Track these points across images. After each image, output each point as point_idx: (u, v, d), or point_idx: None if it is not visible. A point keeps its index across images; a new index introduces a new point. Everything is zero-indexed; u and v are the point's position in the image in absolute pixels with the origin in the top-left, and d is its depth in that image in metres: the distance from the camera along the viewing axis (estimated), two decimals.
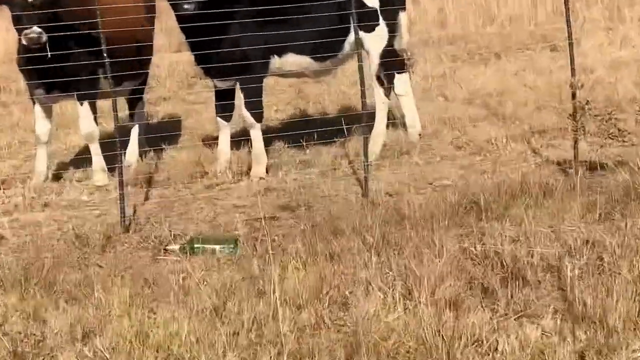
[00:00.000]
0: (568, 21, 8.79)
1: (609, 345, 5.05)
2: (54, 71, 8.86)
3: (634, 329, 5.25)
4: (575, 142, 8.57)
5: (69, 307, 6.14)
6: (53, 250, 7.46)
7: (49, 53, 8.68)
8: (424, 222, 7.11)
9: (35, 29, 8.56)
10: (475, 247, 6.60)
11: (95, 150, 9.50)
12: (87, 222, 8.21)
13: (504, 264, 6.25)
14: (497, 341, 5.22)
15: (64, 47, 8.79)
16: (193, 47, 9.47)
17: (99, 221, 8.22)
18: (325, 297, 5.95)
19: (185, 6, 8.91)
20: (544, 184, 7.90)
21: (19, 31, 8.75)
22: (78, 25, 8.70)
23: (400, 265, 6.28)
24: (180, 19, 9.31)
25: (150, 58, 10.39)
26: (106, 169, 9.46)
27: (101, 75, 8.70)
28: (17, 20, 8.79)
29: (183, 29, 9.44)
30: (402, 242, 6.76)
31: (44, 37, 8.59)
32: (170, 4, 9.31)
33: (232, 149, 9.70)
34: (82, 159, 10.17)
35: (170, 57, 14.93)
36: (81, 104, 9.37)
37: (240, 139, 9.78)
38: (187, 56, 11.21)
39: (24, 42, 8.70)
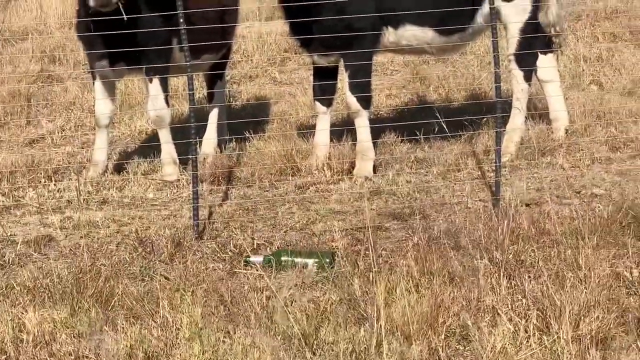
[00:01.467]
0: None
1: None
2: (121, 39, 8.99)
3: None
4: None
5: (129, 326, 6.26)
6: (111, 256, 7.60)
7: (125, 16, 8.79)
8: (568, 240, 7.08)
9: None
10: (631, 272, 6.56)
11: (166, 137, 9.60)
12: (153, 225, 8.34)
13: None
14: None
15: (133, 11, 8.89)
16: (288, 13, 9.50)
17: (167, 224, 8.34)
18: (441, 327, 5.96)
19: None
20: None
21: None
22: None
23: (536, 291, 6.26)
24: None
25: (235, 26, 10.46)
26: (178, 161, 9.59)
27: (175, 46, 8.80)
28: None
29: None
30: (539, 264, 6.74)
31: None
32: None
33: (332, 140, 9.74)
34: (149, 147, 10.30)
35: (260, 27, 14.97)
36: (150, 81, 9.48)
37: (343, 129, 9.80)
38: (281, 26, 11.27)
39: (90, 2, 8.82)
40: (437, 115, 10.30)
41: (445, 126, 9.74)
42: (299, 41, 9.73)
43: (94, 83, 9.71)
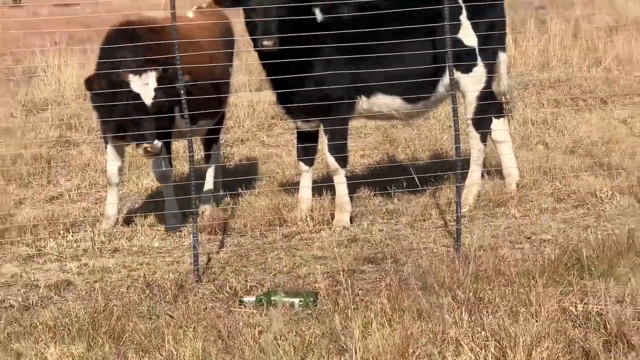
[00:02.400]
0: None
1: None
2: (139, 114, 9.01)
3: None
4: None
5: (138, 359, 6.24)
6: (122, 298, 7.58)
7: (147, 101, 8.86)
8: (520, 279, 7.09)
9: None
10: (576, 307, 6.56)
11: (169, 193, 9.64)
12: (159, 270, 8.32)
13: (607, 326, 6.20)
14: None
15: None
16: (274, 85, 9.53)
17: (171, 269, 8.32)
18: (411, 357, 5.96)
19: (265, 42, 8.94)
20: None
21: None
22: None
23: (493, 325, 6.24)
24: (261, 55, 9.36)
25: (228, 96, 10.49)
26: (180, 215, 9.59)
27: (177, 113, 8.82)
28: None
29: (264, 66, 9.48)
30: (496, 300, 6.75)
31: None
32: (251, 39, 9.40)
33: (313, 195, 9.75)
34: (154, 202, 10.30)
35: (250, 96, 15.02)
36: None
37: (323, 185, 9.80)
38: (268, 95, 11.32)
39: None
40: (406, 171, 10.38)
41: (416, 180, 9.79)
42: (284, 109, 9.76)
43: (106, 147, 9.72)
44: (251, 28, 9.20)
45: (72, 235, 9.44)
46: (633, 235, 7.91)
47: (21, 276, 8.35)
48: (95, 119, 10.37)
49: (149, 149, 8.74)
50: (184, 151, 10.26)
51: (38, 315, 7.21)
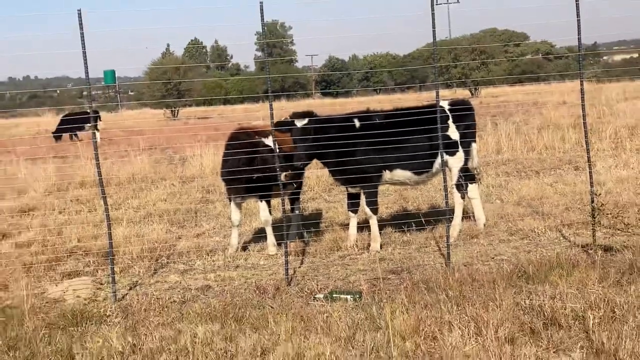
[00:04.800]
0: (588, 150, 8.77)
1: None
2: (246, 184, 9.21)
3: None
4: (594, 232, 8.52)
5: (252, 333, 6.26)
6: (242, 296, 7.61)
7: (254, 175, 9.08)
8: (489, 284, 7.01)
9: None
10: (524, 302, 6.48)
11: (269, 231, 9.68)
12: (264, 278, 8.35)
13: (545, 313, 6.13)
14: None
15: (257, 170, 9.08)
16: (328, 165, 9.54)
17: (271, 277, 8.35)
18: (421, 332, 5.91)
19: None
20: (572, 260, 7.72)
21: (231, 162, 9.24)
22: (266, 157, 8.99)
23: (472, 313, 6.18)
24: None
25: (304, 172, 10.48)
26: (276, 244, 9.62)
27: (273, 183, 8.89)
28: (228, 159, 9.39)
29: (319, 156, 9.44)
30: (474, 297, 6.67)
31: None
32: None
33: (358, 231, 9.73)
34: (260, 236, 10.34)
35: (317, 172, 15.09)
36: (261, 202, 9.62)
37: (363, 226, 9.79)
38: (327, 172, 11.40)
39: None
40: (414, 217, 10.36)
41: (422, 221, 9.74)
42: (339, 180, 9.75)
43: (230, 203, 9.83)
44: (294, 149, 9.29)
45: (210, 257, 9.52)
46: (559, 257, 7.82)
47: (180, 282, 8.42)
48: (223, 186, 10.47)
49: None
50: (278, 205, 10.31)
51: (190, 307, 7.26)
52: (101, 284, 8.44)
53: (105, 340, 6.17)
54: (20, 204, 13.96)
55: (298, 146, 9.10)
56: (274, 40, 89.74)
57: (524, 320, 6.01)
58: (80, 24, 7.40)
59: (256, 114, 30.25)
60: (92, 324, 6.89)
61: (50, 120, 36.08)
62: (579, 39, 8.32)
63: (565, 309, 6.14)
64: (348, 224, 9.86)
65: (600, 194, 9.04)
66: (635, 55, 74.83)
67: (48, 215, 12.85)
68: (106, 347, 6.05)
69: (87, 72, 7.65)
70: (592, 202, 8.53)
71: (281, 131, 9.06)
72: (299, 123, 9.18)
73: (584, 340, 5.61)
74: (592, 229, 8.50)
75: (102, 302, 7.71)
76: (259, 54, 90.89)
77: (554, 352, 5.47)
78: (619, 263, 7.54)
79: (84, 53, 7.48)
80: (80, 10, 7.37)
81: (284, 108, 27.93)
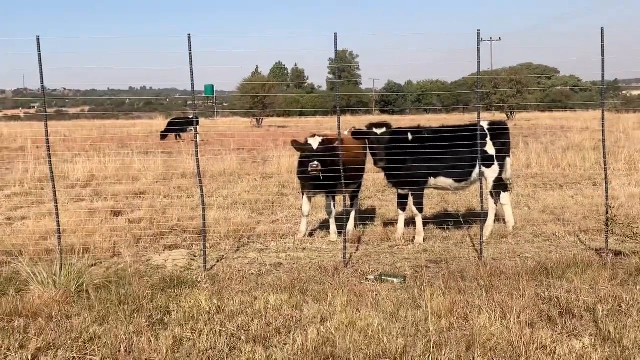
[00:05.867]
0: (605, 169, 8.51)
1: (624, 356, 4.80)
2: (318, 181, 9.17)
3: None
4: (607, 238, 8.27)
5: (314, 304, 6.29)
6: (306, 272, 7.64)
7: (321, 175, 9.00)
8: (515, 276, 6.89)
9: (315, 163, 8.93)
10: (544, 293, 6.34)
11: (332, 221, 9.68)
12: (325, 259, 8.36)
13: (561, 304, 5.99)
14: (556, 347, 5.00)
15: (326, 170, 9.01)
16: (384, 170, 9.48)
17: (331, 259, 8.35)
18: (454, 313, 5.84)
19: (377, 165, 9.07)
20: (587, 261, 7.51)
21: (306, 163, 9.12)
22: (333, 160, 8.95)
23: (499, 299, 6.08)
24: (374, 156, 9.33)
25: (363, 174, 10.48)
26: (337, 232, 9.62)
27: (339, 182, 8.89)
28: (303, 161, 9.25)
29: (376, 162, 9.39)
30: (501, 287, 6.57)
31: (319, 167, 8.95)
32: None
33: (405, 226, 9.64)
34: (324, 225, 10.35)
35: (373, 175, 15.03)
36: (328, 197, 9.63)
37: (410, 222, 9.71)
38: (382, 176, 11.33)
39: (308, 169, 9.02)
40: (453, 217, 10.22)
41: (461, 220, 9.62)
42: (391, 183, 9.67)
43: (302, 196, 9.85)
44: (372, 153, 9.32)
45: (282, 240, 9.58)
46: (576, 257, 7.61)
47: (257, 259, 8.49)
48: (297, 182, 10.53)
49: (313, 166, 8.85)
50: (340, 201, 10.34)
51: (265, 279, 7.34)
52: (195, 256, 8.59)
53: (196, 301, 6.31)
54: (133, 188, 14.37)
55: (378, 150, 9.09)
56: (343, 65, 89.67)
57: (542, 309, 5.89)
58: (189, 46, 7.54)
59: (325, 125, 30.29)
60: (186, 287, 7.03)
61: (160, 122, 36.91)
62: (602, 75, 8.07)
63: (578, 302, 5.99)
64: (397, 220, 9.79)
65: (614, 207, 8.81)
66: None
67: (155, 198, 13.18)
68: (196, 307, 6.18)
69: (192, 86, 7.80)
70: (607, 213, 8.30)
71: (357, 138, 9.25)
72: (379, 131, 9.15)
73: (593, 329, 5.45)
74: (606, 235, 8.25)
75: (195, 271, 7.86)
76: (331, 76, 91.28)
77: (567, 337, 5.32)
78: (627, 266, 7.30)
79: (191, 69, 7.61)
80: (190, 35, 7.51)
81: (348, 121, 27.91)
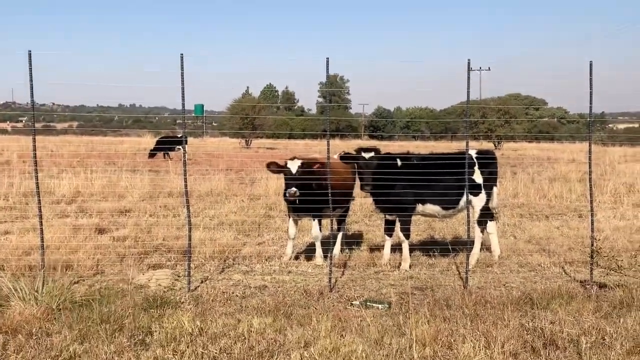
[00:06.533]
0: (591, 201, 8.56)
1: None
2: (303, 204, 9.15)
3: None
4: (591, 270, 8.31)
5: (298, 328, 6.25)
6: (291, 296, 7.60)
7: (297, 199, 9.00)
8: (499, 306, 6.90)
9: (292, 189, 8.90)
10: (528, 324, 6.34)
11: (318, 245, 9.68)
12: (310, 283, 8.34)
13: (545, 335, 6.00)
14: None
15: (308, 194, 9.03)
16: (373, 195, 9.50)
17: (317, 283, 8.33)
18: (439, 341, 5.83)
19: (363, 190, 9.21)
20: (571, 292, 7.55)
21: (287, 187, 9.09)
22: (317, 183, 8.98)
23: (483, 329, 6.08)
24: (361, 180, 9.33)
25: (350, 199, 10.50)
26: (323, 256, 9.60)
27: (325, 206, 8.90)
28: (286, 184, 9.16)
29: (363, 186, 9.39)
30: (485, 316, 6.57)
31: (297, 193, 8.91)
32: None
33: (391, 252, 9.65)
34: (311, 249, 10.32)
35: (361, 200, 15.05)
36: (314, 220, 9.62)
37: (396, 248, 9.72)
38: (369, 201, 11.34)
39: (287, 195, 9.02)
40: (440, 244, 10.24)
41: (449, 248, 9.64)
42: (379, 208, 9.70)
43: (288, 219, 9.83)
44: (359, 177, 9.34)
45: (268, 262, 9.54)
46: (560, 289, 7.64)
47: (242, 281, 8.46)
48: (284, 204, 10.54)
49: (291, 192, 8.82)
50: (327, 224, 10.34)
51: (249, 302, 7.29)
52: (179, 276, 8.54)
53: (179, 322, 6.25)
54: (119, 205, 14.28)
55: (365, 174, 9.10)
56: (333, 90, 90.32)
57: (526, 339, 5.89)
58: (182, 66, 7.57)
59: (314, 149, 30.38)
60: (168, 308, 6.97)
61: (148, 140, 36.83)
62: (590, 108, 8.19)
63: (562, 333, 6.00)
64: (384, 245, 9.80)
65: (599, 239, 8.86)
66: (637, 125, 73.02)
67: (141, 217, 13.11)
68: (179, 328, 6.13)
69: (183, 105, 7.81)
70: (592, 245, 8.35)
71: (346, 162, 9.34)
72: (367, 155, 9.19)
73: None
74: (590, 267, 8.29)
75: (178, 291, 7.81)
76: (321, 99, 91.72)
77: None
78: (611, 298, 7.34)
79: (182, 89, 7.63)
80: (182, 55, 7.55)
81: (337, 145, 28.00)
